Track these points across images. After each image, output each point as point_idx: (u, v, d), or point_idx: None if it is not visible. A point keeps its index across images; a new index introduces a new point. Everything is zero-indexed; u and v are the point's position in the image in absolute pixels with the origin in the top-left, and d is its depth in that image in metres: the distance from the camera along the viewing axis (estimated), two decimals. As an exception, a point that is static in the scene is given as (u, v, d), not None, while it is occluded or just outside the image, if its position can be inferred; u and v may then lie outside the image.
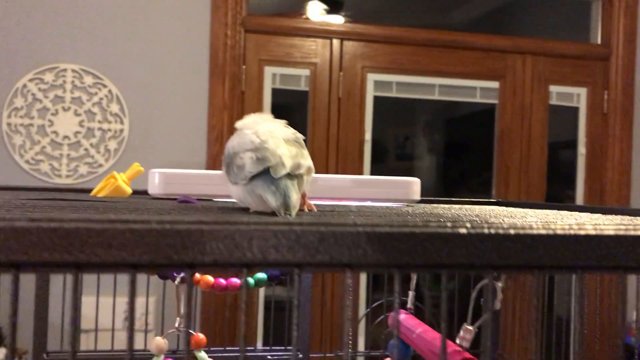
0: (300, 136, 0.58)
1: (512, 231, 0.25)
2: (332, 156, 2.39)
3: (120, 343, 0.98)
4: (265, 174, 0.48)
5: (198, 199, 0.66)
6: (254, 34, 2.33)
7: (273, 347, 0.84)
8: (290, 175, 0.49)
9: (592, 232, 0.25)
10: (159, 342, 0.62)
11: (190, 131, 2.26)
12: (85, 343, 1.57)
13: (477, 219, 0.43)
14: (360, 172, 2.41)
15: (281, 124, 0.57)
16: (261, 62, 2.34)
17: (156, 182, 0.68)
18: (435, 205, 0.79)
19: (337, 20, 2.59)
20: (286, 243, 0.23)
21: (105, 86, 2.21)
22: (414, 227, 0.24)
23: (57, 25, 2.18)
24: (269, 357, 0.79)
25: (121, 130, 2.22)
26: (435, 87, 2.50)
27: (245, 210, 0.52)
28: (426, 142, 3.01)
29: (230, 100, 2.26)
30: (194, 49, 2.26)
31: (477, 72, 2.50)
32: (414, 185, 0.73)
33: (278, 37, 2.36)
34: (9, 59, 2.15)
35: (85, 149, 2.21)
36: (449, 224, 0.24)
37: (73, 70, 2.19)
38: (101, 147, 2.21)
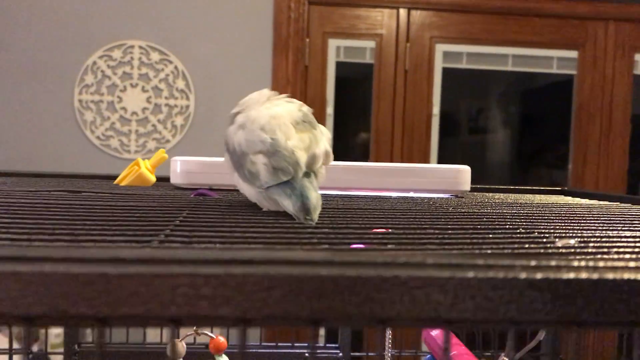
0: (309, 110, 0.52)
1: (595, 275, 0.20)
2: (397, 131, 2.32)
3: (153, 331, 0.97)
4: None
5: (218, 190, 0.63)
6: (318, 5, 2.28)
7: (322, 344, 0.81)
8: (306, 172, 0.45)
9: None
10: (176, 346, 0.60)
11: (254, 106, 2.25)
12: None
13: (546, 238, 0.37)
14: (428, 148, 2.33)
15: (284, 100, 0.53)
16: (325, 34, 2.29)
17: (177, 171, 0.65)
18: (487, 195, 0.72)
19: (405, -11, 2.49)
20: (223, 292, 0.18)
21: (171, 62, 2.22)
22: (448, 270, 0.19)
23: (123, 2, 2.20)
24: (306, 354, 0.76)
25: (187, 106, 2.24)
26: (508, 57, 2.37)
27: (259, 209, 0.48)
28: (500, 115, 2.88)
29: (294, 74, 2.22)
30: (258, 23, 2.23)
31: (554, 40, 2.35)
32: (462, 174, 0.67)
33: (342, 8, 2.30)
34: (80, 37, 2.19)
35: (153, 125, 2.24)
36: (505, 264, 0.19)
37: (140, 47, 2.21)
38: (168, 123, 2.24)
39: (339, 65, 2.31)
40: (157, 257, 0.19)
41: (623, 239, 0.39)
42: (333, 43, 2.30)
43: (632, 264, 0.24)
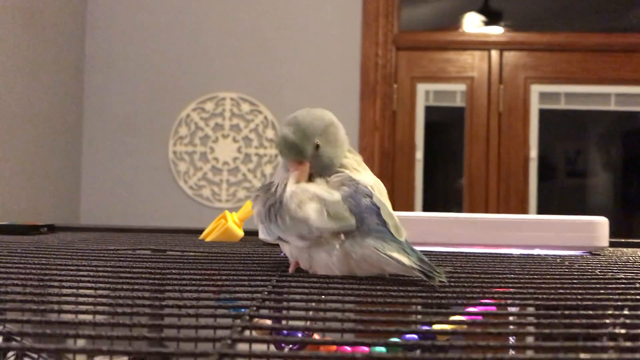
0: None
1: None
2: (492, 177, 2.22)
3: None
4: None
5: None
6: (405, 51, 2.25)
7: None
8: None
9: None
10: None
11: (343, 154, 2.22)
12: None
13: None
14: (525, 194, 2.22)
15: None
16: (413, 79, 2.25)
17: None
18: (629, 252, 0.62)
19: (496, 30, 2.44)
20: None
21: (260, 112, 2.25)
22: None
23: (215, 56, 2.26)
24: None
25: (276, 155, 2.24)
26: (610, 96, 2.24)
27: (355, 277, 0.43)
28: (601, 158, 2.72)
29: (382, 120, 2.19)
30: (345, 70, 2.23)
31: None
32: (599, 227, 0.57)
33: (431, 53, 2.26)
34: (174, 91, 2.27)
35: (243, 174, 2.26)
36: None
37: (231, 99, 2.26)
38: (258, 172, 2.25)
39: (428, 110, 2.26)
40: None
41: None
42: (422, 87, 2.26)
43: None
